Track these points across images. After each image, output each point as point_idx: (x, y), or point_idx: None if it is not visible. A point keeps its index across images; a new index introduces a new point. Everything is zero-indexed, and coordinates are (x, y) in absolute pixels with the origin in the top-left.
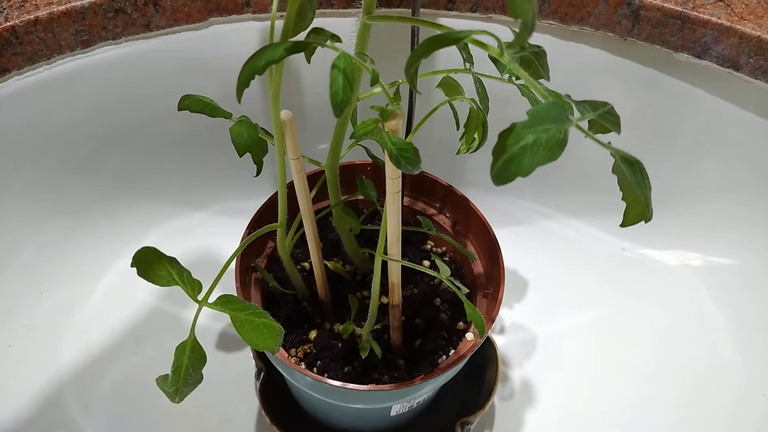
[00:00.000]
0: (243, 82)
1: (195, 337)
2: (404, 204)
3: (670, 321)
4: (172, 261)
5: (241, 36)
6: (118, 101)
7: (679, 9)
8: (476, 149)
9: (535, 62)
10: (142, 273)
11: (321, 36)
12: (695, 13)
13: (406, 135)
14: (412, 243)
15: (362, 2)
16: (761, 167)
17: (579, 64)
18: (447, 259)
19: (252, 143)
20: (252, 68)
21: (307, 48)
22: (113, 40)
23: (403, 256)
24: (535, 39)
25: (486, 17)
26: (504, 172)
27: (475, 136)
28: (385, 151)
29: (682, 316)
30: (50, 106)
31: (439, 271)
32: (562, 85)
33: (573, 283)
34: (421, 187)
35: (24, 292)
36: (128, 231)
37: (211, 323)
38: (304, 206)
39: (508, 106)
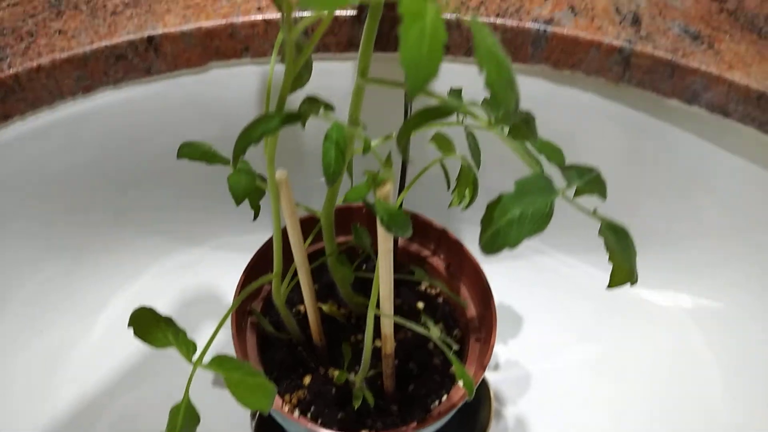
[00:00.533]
0: (238, 152)
1: (189, 399)
2: (398, 245)
3: (660, 360)
4: (168, 322)
5: (240, 80)
6: (118, 142)
7: (669, 57)
8: (467, 206)
9: (524, 128)
10: (138, 334)
11: (315, 104)
12: (685, 61)
13: (400, 189)
14: (407, 283)
15: (358, 62)
16: (750, 210)
17: (571, 107)
18: (441, 300)
19: (249, 192)
20: (247, 139)
21: (300, 119)
22: (114, 85)
23: (397, 296)
24: (529, 83)
25: None
26: (492, 243)
27: (466, 192)
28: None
29: (672, 355)
30: (51, 149)
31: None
32: (554, 128)
33: (566, 319)
34: (415, 229)
35: (23, 330)
36: (128, 267)
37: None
38: (299, 258)
39: (503, 150)
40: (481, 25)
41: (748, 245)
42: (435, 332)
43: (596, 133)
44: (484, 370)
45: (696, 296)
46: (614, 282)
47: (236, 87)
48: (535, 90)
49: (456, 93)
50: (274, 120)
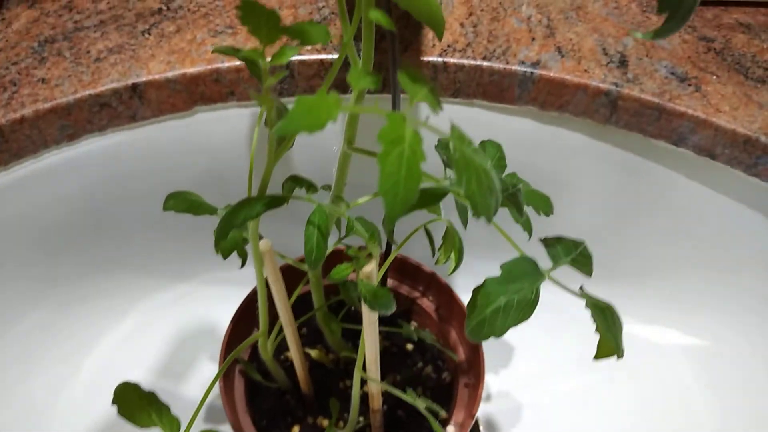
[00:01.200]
0: (221, 236)
1: None
2: (388, 287)
3: (649, 393)
4: (151, 399)
5: (226, 123)
6: (104, 187)
7: (656, 100)
8: (452, 271)
9: (510, 203)
10: (123, 413)
11: (298, 182)
12: (672, 105)
13: (385, 256)
14: (397, 323)
15: (344, 134)
16: (738, 249)
17: (559, 146)
18: (429, 342)
19: (236, 245)
20: (230, 224)
21: (283, 203)
22: (99, 132)
23: (387, 338)
24: (516, 123)
25: (468, 102)
26: (478, 332)
27: (452, 256)
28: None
29: (661, 389)
30: (37, 197)
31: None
32: (542, 167)
33: (558, 350)
34: (404, 272)
35: (12, 373)
36: (118, 304)
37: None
38: (285, 318)
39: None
40: (460, 134)
41: (735, 284)
42: (420, 403)
43: (584, 172)
44: (472, 419)
45: (684, 332)
46: (600, 354)
47: (222, 130)
48: (523, 130)
49: (443, 142)
50: (257, 206)
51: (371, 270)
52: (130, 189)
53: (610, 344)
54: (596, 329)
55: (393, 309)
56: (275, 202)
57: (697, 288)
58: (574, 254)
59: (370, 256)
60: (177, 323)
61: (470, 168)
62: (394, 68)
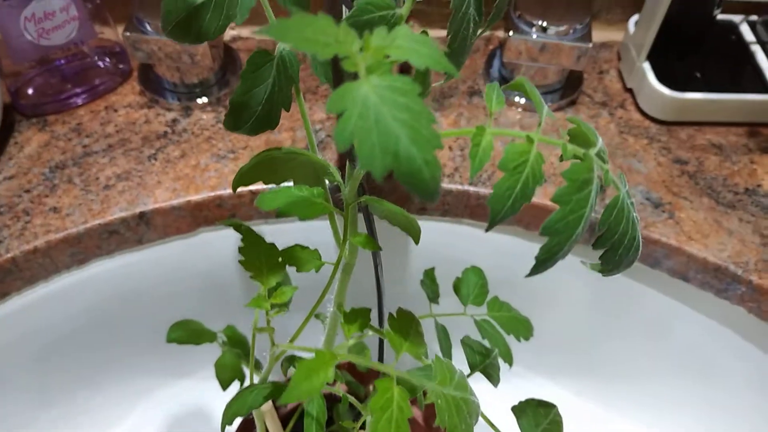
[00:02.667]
0: (226, 422)
1: None
2: None
3: None
4: None
5: (227, 241)
6: (110, 303)
7: None
8: None
9: (487, 375)
10: None
11: (294, 361)
12: (647, 232)
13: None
14: None
15: (334, 296)
16: (707, 357)
17: None
18: None
19: (235, 376)
20: (235, 413)
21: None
22: (107, 255)
23: None
24: (504, 240)
25: (457, 220)
26: None
27: None
28: None
29: None
30: (46, 316)
31: None
32: (528, 279)
33: None
34: None
35: None
36: (120, 404)
37: None
38: None
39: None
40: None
41: (707, 388)
42: None
43: (566, 284)
44: None
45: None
46: None
47: (223, 247)
48: (510, 245)
49: (429, 274)
50: (259, 396)
51: None
52: (135, 301)
53: None
54: None
55: None
56: (277, 391)
57: (672, 390)
58: (544, 425)
59: None
60: (178, 419)
61: (450, 406)
62: (380, 294)
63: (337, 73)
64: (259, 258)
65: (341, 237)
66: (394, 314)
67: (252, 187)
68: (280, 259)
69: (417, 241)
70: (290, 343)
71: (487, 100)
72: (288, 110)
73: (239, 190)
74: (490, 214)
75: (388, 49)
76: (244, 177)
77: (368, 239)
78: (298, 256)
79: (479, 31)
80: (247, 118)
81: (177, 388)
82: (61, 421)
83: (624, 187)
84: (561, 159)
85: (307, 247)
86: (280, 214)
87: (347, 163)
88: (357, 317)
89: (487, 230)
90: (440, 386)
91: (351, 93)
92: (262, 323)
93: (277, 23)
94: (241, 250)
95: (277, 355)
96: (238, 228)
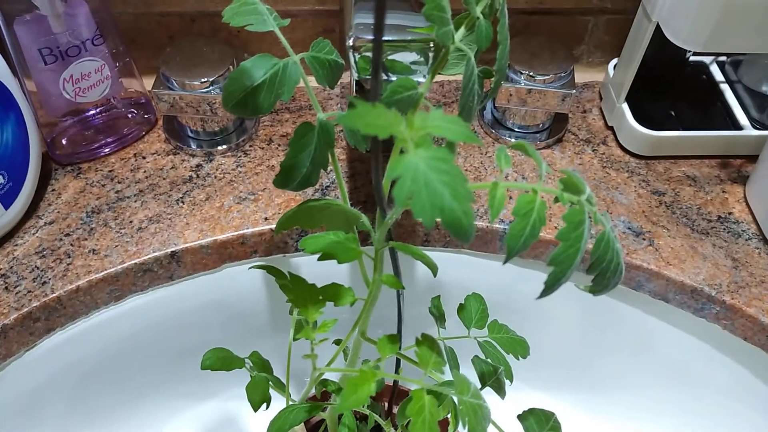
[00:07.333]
0: None
1: None
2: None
3: None
4: None
5: (250, 274)
6: (144, 334)
7: None
8: None
9: (493, 387)
10: None
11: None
12: (630, 259)
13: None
14: None
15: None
16: (689, 370)
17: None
18: None
19: (264, 398)
20: (278, 429)
21: (320, 409)
22: (141, 292)
23: None
24: (498, 267)
25: (457, 250)
26: None
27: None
28: None
29: None
30: (86, 348)
31: None
32: (522, 299)
33: None
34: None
35: None
36: (154, 423)
37: None
38: None
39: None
40: (462, 385)
41: (687, 397)
42: None
43: (556, 305)
44: None
45: None
46: None
47: (247, 280)
48: (506, 271)
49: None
50: (300, 414)
51: None
52: (165, 331)
53: None
54: None
55: None
56: (314, 409)
57: (658, 402)
58: (546, 428)
59: None
60: None
61: (471, 411)
62: (399, 320)
63: (375, 142)
64: (304, 296)
65: (369, 277)
66: (419, 338)
67: (272, 225)
68: (320, 297)
69: (435, 274)
70: (328, 366)
71: (497, 160)
72: (326, 170)
73: (261, 228)
74: (507, 250)
75: (428, 128)
76: (286, 222)
77: (395, 280)
78: (335, 293)
79: (482, 102)
80: (294, 177)
81: (203, 409)
82: None
83: (609, 223)
84: (555, 200)
85: (342, 285)
86: (321, 258)
87: (377, 212)
88: (391, 342)
89: (504, 263)
90: (460, 395)
91: (404, 162)
92: (296, 350)
93: (348, 113)
94: (286, 288)
95: (316, 377)
96: (279, 274)
